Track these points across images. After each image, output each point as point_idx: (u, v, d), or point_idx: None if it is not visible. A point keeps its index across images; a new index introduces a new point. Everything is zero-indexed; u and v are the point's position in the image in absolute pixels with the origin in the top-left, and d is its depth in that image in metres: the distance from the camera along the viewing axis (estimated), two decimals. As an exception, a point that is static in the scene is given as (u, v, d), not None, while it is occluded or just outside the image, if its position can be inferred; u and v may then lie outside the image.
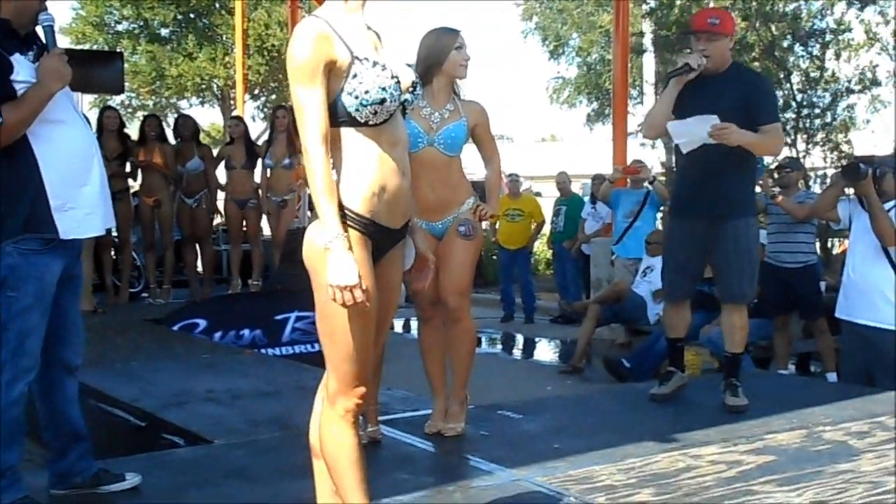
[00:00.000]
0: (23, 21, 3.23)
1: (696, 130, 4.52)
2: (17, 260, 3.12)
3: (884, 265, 5.30)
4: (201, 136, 10.32)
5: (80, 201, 3.24)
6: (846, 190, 5.87)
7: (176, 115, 10.40)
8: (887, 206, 5.32)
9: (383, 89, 2.50)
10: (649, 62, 15.59)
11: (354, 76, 2.50)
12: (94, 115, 10.33)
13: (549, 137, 46.14)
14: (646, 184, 9.57)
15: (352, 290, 2.44)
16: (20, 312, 3.14)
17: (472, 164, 4.40)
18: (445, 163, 4.09)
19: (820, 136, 11.99)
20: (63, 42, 22.04)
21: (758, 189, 7.31)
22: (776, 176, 7.50)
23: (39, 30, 3.30)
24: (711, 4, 12.48)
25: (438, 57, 4.04)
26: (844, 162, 11.64)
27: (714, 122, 4.43)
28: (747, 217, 4.69)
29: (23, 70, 3.14)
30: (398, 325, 10.95)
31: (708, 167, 4.59)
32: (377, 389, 4.14)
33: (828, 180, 12.06)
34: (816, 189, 11.44)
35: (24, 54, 3.18)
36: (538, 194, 15.31)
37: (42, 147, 3.16)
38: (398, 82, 2.55)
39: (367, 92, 2.49)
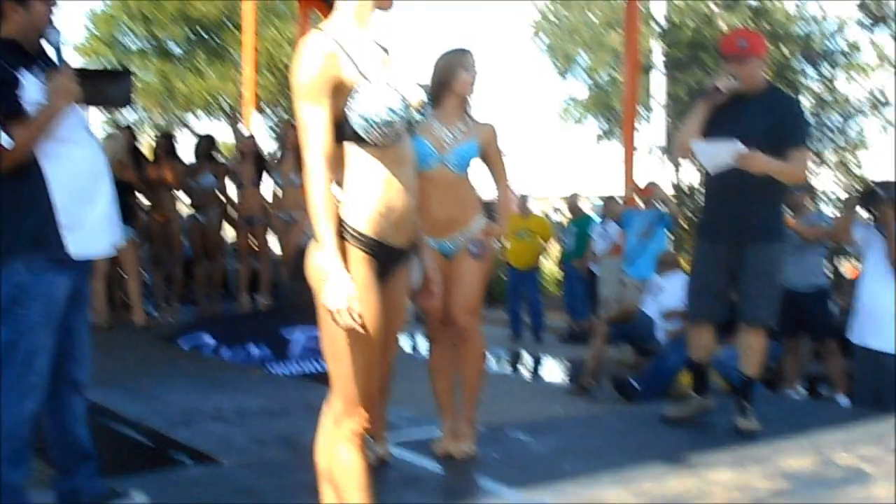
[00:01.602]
0: (30, 38, 3.24)
1: (721, 153, 4.49)
2: (26, 277, 3.12)
3: None
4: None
5: (88, 220, 3.23)
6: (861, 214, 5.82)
7: (198, 138, 10.43)
8: None
9: (391, 109, 2.49)
10: (659, 82, 15.59)
11: (360, 95, 2.49)
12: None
13: (558, 156, 46.13)
14: (658, 204, 9.56)
15: (347, 313, 2.42)
16: (28, 330, 3.13)
17: (480, 182, 4.41)
18: (456, 181, 4.09)
19: (830, 157, 11.96)
20: (76, 60, 22.15)
21: None
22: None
23: (49, 47, 3.31)
24: (723, 25, 12.48)
25: (448, 76, 4.07)
26: (855, 184, 11.65)
27: (739, 147, 4.41)
28: (772, 242, 4.65)
29: (30, 87, 3.15)
30: (406, 344, 10.92)
31: (736, 191, 4.56)
32: (385, 409, 4.11)
33: (838, 202, 12.07)
34: (825, 210, 11.42)
35: (31, 71, 3.19)
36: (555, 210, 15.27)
37: (51, 165, 3.16)
38: (405, 102, 2.53)
39: (374, 111, 2.48)
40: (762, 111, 4.53)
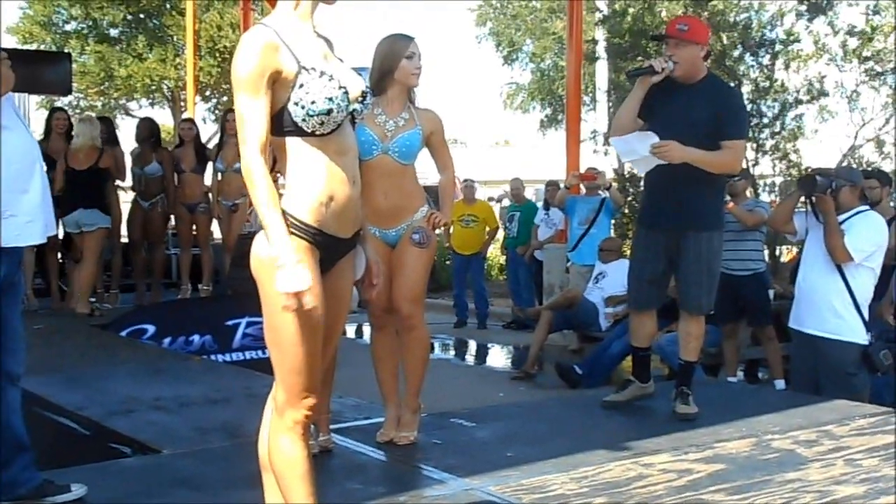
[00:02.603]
0: None
1: (637, 147, 4.54)
2: None
3: (834, 278, 5.31)
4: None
5: (21, 208, 3.18)
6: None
7: (138, 120, 10.29)
8: (841, 218, 5.32)
9: (330, 100, 2.49)
10: (602, 69, 15.70)
11: (301, 86, 2.48)
12: (41, 117, 10.15)
13: (502, 142, 46.29)
14: (601, 191, 9.63)
15: (302, 297, 2.41)
16: None
17: (425, 169, 4.40)
18: (399, 171, 4.07)
19: (769, 145, 12.14)
20: (10, 42, 21.65)
21: None
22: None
23: None
24: (664, 13, 12.59)
25: (391, 65, 4.03)
26: (794, 171, 11.82)
27: (653, 139, 4.45)
28: (711, 230, 4.67)
29: None
30: (350, 331, 10.90)
31: (673, 179, 4.58)
32: (329, 397, 4.11)
33: (777, 189, 12.26)
34: (765, 197, 11.60)
35: None
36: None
37: None
38: (346, 92, 2.54)
39: (313, 102, 2.48)
40: (702, 101, 4.56)
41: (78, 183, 8.26)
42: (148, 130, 9.37)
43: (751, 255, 7.49)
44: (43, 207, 3.28)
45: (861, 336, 5.32)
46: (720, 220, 4.84)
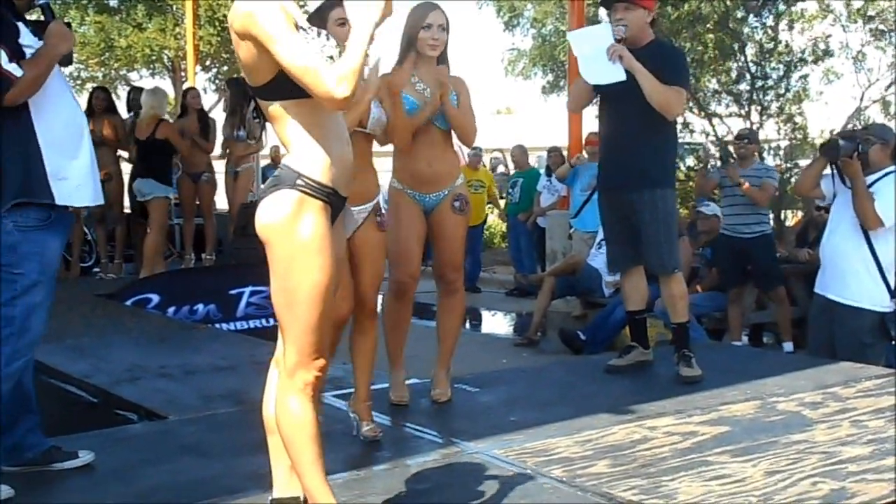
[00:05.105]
0: (21, 4, 3.36)
1: (594, 43, 4.57)
2: (17, 237, 3.15)
3: (859, 242, 5.14)
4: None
5: (71, 172, 3.27)
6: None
7: (129, 88, 10.28)
8: (871, 179, 5.13)
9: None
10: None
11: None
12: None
13: (504, 110, 46.06)
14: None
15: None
16: (26, 289, 3.17)
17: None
18: (442, 139, 4.16)
19: (774, 107, 12.05)
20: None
21: (718, 175, 7.41)
22: (732, 148, 7.55)
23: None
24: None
25: (412, 35, 4.07)
26: (798, 135, 11.74)
27: (611, 39, 4.50)
28: (663, 188, 4.69)
29: (26, 36, 3.22)
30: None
31: (623, 140, 4.64)
32: (368, 387, 4.03)
33: (781, 153, 12.19)
34: (769, 161, 11.54)
35: (25, 25, 3.28)
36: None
37: (39, 114, 3.19)
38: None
39: None
40: (647, 64, 4.53)
41: (139, 153, 8.55)
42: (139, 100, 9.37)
43: (758, 218, 7.46)
44: (91, 175, 3.37)
45: (881, 303, 5.16)
46: (671, 177, 4.86)
